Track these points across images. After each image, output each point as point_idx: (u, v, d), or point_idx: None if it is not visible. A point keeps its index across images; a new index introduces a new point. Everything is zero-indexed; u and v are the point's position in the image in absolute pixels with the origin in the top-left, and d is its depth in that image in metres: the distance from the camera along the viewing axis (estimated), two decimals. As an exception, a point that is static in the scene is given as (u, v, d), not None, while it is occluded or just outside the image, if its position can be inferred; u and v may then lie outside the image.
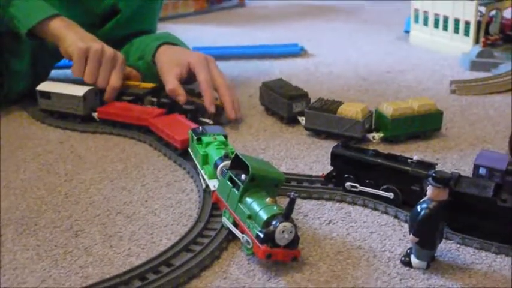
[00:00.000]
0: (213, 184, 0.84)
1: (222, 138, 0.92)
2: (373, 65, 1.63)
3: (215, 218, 0.81)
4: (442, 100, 1.29)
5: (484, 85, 1.40)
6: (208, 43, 1.81)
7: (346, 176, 0.88)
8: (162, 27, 1.63)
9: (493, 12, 1.64)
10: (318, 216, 0.84)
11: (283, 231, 0.69)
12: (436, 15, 1.75)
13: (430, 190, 0.69)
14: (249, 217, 0.72)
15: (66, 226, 0.81)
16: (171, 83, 1.15)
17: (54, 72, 1.42)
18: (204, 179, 0.88)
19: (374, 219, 0.83)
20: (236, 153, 0.79)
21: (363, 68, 1.59)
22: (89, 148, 1.07)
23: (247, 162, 0.75)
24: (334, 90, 1.40)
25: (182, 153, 1.00)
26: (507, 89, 1.38)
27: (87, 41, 1.15)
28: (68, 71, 1.35)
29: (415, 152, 1.03)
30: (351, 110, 1.06)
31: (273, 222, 0.70)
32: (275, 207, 0.72)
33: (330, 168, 0.91)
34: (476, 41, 1.63)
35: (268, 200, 0.73)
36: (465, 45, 1.65)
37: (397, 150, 1.03)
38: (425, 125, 1.09)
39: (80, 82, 1.19)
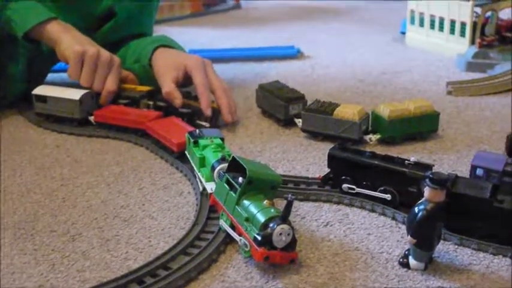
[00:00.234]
0: (210, 187, 0.84)
1: (218, 141, 0.92)
2: (370, 66, 1.63)
3: (212, 220, 0.81)
4: (438, 101, 1.29)
5: (480, 86, 1.40)
6: (204, 45, 1.81)
7: (343, 177, 0.88)
8: (158, 30, 1.63)
9: (488, 13, 1.64)
10: (316, 218, 0.84)
11: (280, 234, 0.69)
12: (432, 16, 1.75)
13: (427, 191, 0.69)
14: (247, 220, 0.72)
15: (63, 230, 0.81)
16: (168, 86, 1.15)
17: (50, 76, 1.42)
18: (201, 182, 0.88)
19: (371, 221, 0.83)
20: (233, 156, 0.79)
21: (359, 70, 1.60)
22: (86, 152, 1.07)
23: (244, 165, 0.75)
24: (331, 92, 1.40)
25: (179, 156, 1.00)
26: (503, 90, 1.39)
27: (83, 44, 1.15)
28: (64, 75, 1.35)
29: (411, 153, 1.03)
30: (348, 111, 1.06)
31: (271, 225, 0.70)
32: (272, 210, 0.72)
33: (327, 170, 0.91)
34: (472, 42, 1.63)
35: (265, 202, 0.73)
36: (461, 46, 1.65)
37: (394, 151, 1.03)
38: (422, 126, 1.09)
39: (76, 86, 1.19)
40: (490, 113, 1.25)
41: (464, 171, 0.94)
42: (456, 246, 0.76)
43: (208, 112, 1.13)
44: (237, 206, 0.74)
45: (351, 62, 1.68)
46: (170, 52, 1.26)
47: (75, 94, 1.16)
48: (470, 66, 1.55)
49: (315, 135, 1.11)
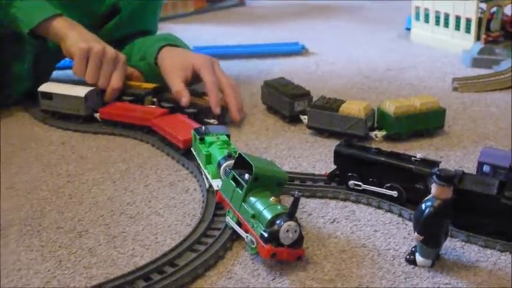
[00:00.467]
0: (216, 184, 0.84)
1: (225, 137, 0.92)
2: (375, 62, 1.63)
3: (219, 217, 0.81)
4: (444, 97, 1.29)
5: (486, 82, 1.40)
6: (209, 42, 1.81)
7: (349, 174, 0.88)
8: (162, 27, 1.63)
9: (494, 9, 1.64)
10: (322, 215, 0.84)
11: (287, 231, 0.69)
12: (437, 12, 1.75)
13: (434, 188, 0.69)
14: (253, 216, 0.72)
15: (70, 227, 0.81)
16: (177, 85, 1.15)
17: (55, 73, 1.42)
18: (207, 179, 0.88)
19: (378, 218, 0.83)
20: (239, 153, 0.78)
21: (364, 66, 1.59)
22: (91, 149, 1.07)
23: (250, 162, 0.75)
24: (336, 88, 1.40)
25: (185, 153, 1.00)
26: (509, 86, 1.38)
27: (89, 41, 1.15)
28: (69, 72, 1.35)
29: (418, 149, 1.03)
30: (354, 108, 1.06)
31: (277, 222, 0.70)
32: (279, 207, 0.72)
33: (333, 166, 0.91)
34: (478, 38, 1.63)
35: (272, 199, 0.73)
36: (466, 43, 1.64)
37: (400, 148, 1.03)
38: (428, 122, 1.08)
39: (82, 83, 1.19)
40: (496, 109, 1.24)
41: (471, 168, 0.94)
42: (463, 243, 0.76)
43: (217, 110, 1.13)
44: (243, 203, 0.74)
45: (356, 59, 1.67)
46: (177, 51, 1.26)
47: (81, 91, 1.16)
48: (476, 62, 1.55)
49: (320, 131, 1.11)
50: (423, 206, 0.69)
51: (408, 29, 1.93)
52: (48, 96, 1.19)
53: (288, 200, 0.80)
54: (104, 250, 0.76)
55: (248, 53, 1.71)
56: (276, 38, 1.88)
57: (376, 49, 1.78)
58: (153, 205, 0.87)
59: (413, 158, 0.83)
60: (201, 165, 0.91)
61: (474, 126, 1.15)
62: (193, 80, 1.20)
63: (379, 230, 0.80)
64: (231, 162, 0.82)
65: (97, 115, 1.16)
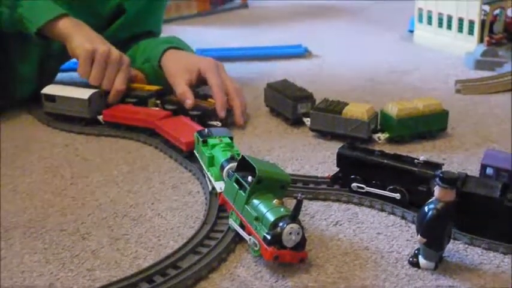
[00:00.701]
0: (219, 186, 0.84)
1: (227, 140, 0.92)
2: (378, 65, 1.62)
3: (222, 220, 0.81)
4: (447, 100, 1.28)
5: (489, 84, 1.39)
6: (212, 45, 1.81)
7: (352, 176, 0.88)
8: (166, 29, 1.63)
9: (497, 11, 1.64)
10: (325, 217, 0.84)
11: (290, 233, 0.69)
12: (440, 14, 1.74)
13: (437, 190, 0.69)
14: (256, 219, 0.72)
15: (73, 229, 0.82)
16: (182, 87, 1.16)
17: (59, 75, 1.42)
18: (210, 181, 0.88)
19: (381, 220, 0.83)
20: (242, 155, 0.79)
21: (367, 68, 1.59)
22: (95, 151, 1.07)
23: (253, 164, 0.75)
24: (339, 90, 1.39)
25: (188, 156, 1.00)
26: (512, 88, 1.38)
27: (94, 42, 1.15)
28: (73, 74, 1.36)
29: (421, 152, 1.03)
30: (357, 110, 1.06)
31: (280, 224, 0.70)
32: (282, 209, 0.72)
33: (336, 169, 0.91)
34: (481, 40, 1.62)
35: (275, 201, 0.73)
36: (469, 44, 1.64)
37: (403, 150, 1.02)
38: (431, 125, 1.08)
39: (85, 85, 1.19)
40: (499, 111, 1.24)
41: (474, 170, 0.94)
42: (466, 246, 0.76)
43: (222, 114, 1.13)
44: (246, 205, 0.74)
45: (359, 61, 1.67)
46: (181, 54, 1.26)
47: (84, 93, 1.17)
48: (479, 65, 1.55)
49: (323, 134, 1.11)
50: (426, 208, 0.69)
51: (411, 31, 1.92)
52: (52, 98, 1.19)
53: (290, 203, 0.80)
54: (107, 252, 0.76)
55: (251, 55, 1.71)
56: (279, 40, 1.88)
57: (379, 51, 1.78)
58: (156, 207, 0.87)
59: (416, 160, 0.83)
60: (204, 167, 0.91)
61: (477, 129, 1.15)
62: (198, 83, 1.20)
63: (382, 233, 0.80)
64: (234, 164, 0.82)
65: (100, 117, 1.17)
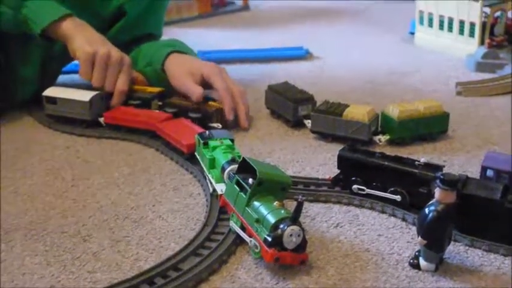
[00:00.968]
0: (220, 188, 0.84)
1: (228, 142, 0.92)
2: (379, 67, 1.63)
3: (223, 222, 0.81)
4: (447, 102, 1.28)
5: (490, 86, 1.40)
6: (213, 47, 1.81)
7: (353, 178, 0.88)
8: (166, 31, 1.63)
9: (498, 13, 1.64)
10: (326, 219, 0.84)
11: (291, 235, 0.69)
12: (441, 16, 1.74)
13: (437, 192, 0.69)
14: (257, 221, 0.72)
15: (74, 231, 0.82)
16: (188, 83, 1.18)
17: (60, 77, 1.43)
18: (211, 183, 0.88)
19: (382, 222, 0.83)
20: (243, 157, 0.79)
21: (368, 70, 1.59)
22: (96, 153, 1.08)
23: (254, 166, 0.75)
24: (340, 92, 1.40)
25: (189, 158, 1.00)
26: (513, 90, 1.38)
27: (94, 44, 1.15)
28: (74, 76, 1.36)
29: (421, 154, 1.03)
30: (357, 112, 1.06)
31: (281, 226, 0.70)
32: (283, 211, 0.72)
33: (336, 171, 0.91)
34: (482, 42, 1.62)
35: (275, 203, 0.73)
36: (470, 47, 1.64)
37: (404, 152, 1.03)
38: (432, 127, 1.09)
39: (86, 87, 1.19)
40: (500, 114, 1.24)
41: (474, 172, 0.94)
42: (467, 248, 0.76)
43: (230, 116, 1.14)
44: (247, 207, 0.74)
45: (359, 63, 1.67)
46: (185, 58, 1.26)
47: (85, 95, 1.17)
48: (480, 67, 1.55)
49: (324, 136, 1.11)
50: (427, 210, 0.69)
51: (412, 33, 1.92)
52: (53, 100, 1.19)
53: (291, 205, 0.80)
54: (108, 254, 0.76)
55: (252, 57, 1.71)
56: (280, 42, 1.88)
57: (380, 53, 1.78)
58: (157, 209, 0.87)
59: (417, 162, 0.84)
60: (205, 169, 0.91)
61: (478, 131, 1.15)
62: (204, 87, 1.20)
63: (382, 235, 0.80)
64: (235, 166, 0.82)
65: (101, 119, 1.17)
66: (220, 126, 1.12)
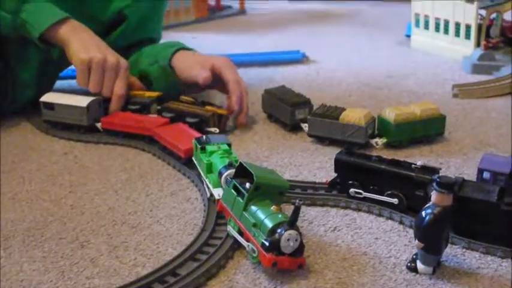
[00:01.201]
0: (217, 193, 0.85)
1: (225, 146, 0.92)
2: (375, 70, 1.63)
3: (220, 226, 0.81)
4: (444, 104, 1.29)
5: (486, 88, 1.40)
6: (210, 51, 1.81)
7: (350, 182, 0.88)
8: (164, 36, 1.63)
9: (493, 15, 1.64)
10: (323, 223, 0.84)
11: (288, 239, 0.69)
12: (437, 19, 1.75)
13: (434, 195, 0.69)
14: (254, 225, 0.72)
15: (72, 237, 0.82)
16: (199, 71, 1.19)
17: (58, 83, 1.43)
18: (208, 188, 0.89)
19: (379, 225, 0.83)
20: (240, 162, 0.79)
21: (364, 73, 1.60)
22: (93, 158, 1.08)
23: (251, 171, 0.75)
24: (337, 96, 1.40)
25: (186, 163, 1.00)
26: (509, 92, 1.39)
27: (89, 50, 1.15)
28: (71, 81, 1.36)
29: (418, 157, 1.03)
30: (354, 116, 1.06)
31: (278, 230, 0.70)
32: (280, 215, 0.72)
33: (334, 174, 0.91)
34: (478, 44, 1.63)
35: (273, 208, 0.73)
36: (466, 49, 1.65)
37: (400, 155, 1.03)
38: (428, 129, 1.09)
39: (83, 92, 1.19)
40: (496, 115, 1.25)
41: (471, 175, 0.94)
42: (464, 250, 0.77)
43: (236, 107, 1.16)
44: (244, 212, 0.74)
45: (356, 66, 1.68)
46: (193, 53, 1.29)
47: (83, 101, 1.17)
48: (476, 69, 1.55)
49: (321, 139, 1.11)
50: (423, 213, 0.70)
51: (408, 36, 1.93)
52: (50, 106, 1.19)
53: (289, 209, 0.81)
54: (106, 260, 0.76)
55: (249, 61, 1.71)
56: (277, 46, 1.88)
57: (376, 56, 1.79)
58: (155, 215, 0.87)
59: (413, 165, 0.84)
60: (202, 174, 0.92)
61: (474, 133, 1.15)
62: (213, 82, 1.21)
63: (380, 238, 0.80)
64: (232, 171, 0.82)
65: (99, 125, 1.17)
66: (217, 130, 1.12)
